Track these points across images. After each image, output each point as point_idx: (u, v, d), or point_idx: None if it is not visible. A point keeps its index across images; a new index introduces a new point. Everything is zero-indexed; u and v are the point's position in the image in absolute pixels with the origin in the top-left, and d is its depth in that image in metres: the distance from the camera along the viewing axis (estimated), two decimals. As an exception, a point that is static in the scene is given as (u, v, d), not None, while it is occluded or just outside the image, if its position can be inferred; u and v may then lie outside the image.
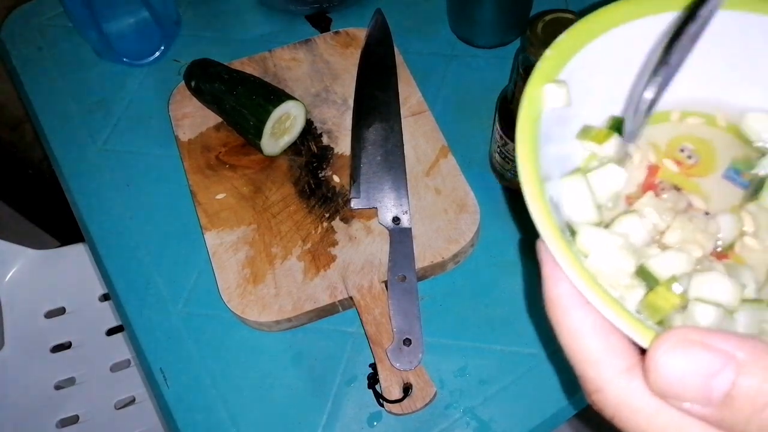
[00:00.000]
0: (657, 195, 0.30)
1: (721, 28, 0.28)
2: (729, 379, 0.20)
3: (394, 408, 0.46)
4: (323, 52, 0.63)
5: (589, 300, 0.24)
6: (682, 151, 0.32)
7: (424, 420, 0.48)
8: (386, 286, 0.50)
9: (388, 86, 0.59)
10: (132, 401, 0.84)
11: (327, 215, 0.54)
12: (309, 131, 0.59)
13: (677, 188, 0.31)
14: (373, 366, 0.48)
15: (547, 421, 0.48)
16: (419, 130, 0.58)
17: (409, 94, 0.60)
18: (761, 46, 0.30)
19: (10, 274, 0.90)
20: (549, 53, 0.29)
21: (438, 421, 0.48)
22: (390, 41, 0.62)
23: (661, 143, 0.33)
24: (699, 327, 0.22)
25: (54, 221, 1.22)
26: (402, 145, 0.56)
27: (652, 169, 0.32)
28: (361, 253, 0.52)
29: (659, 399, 0.22)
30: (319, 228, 0.53)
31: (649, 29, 0.30)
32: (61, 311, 0.89)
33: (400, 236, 0.51)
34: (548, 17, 0.43)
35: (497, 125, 0.51)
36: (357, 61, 0.62)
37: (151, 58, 0.66)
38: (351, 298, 0.50)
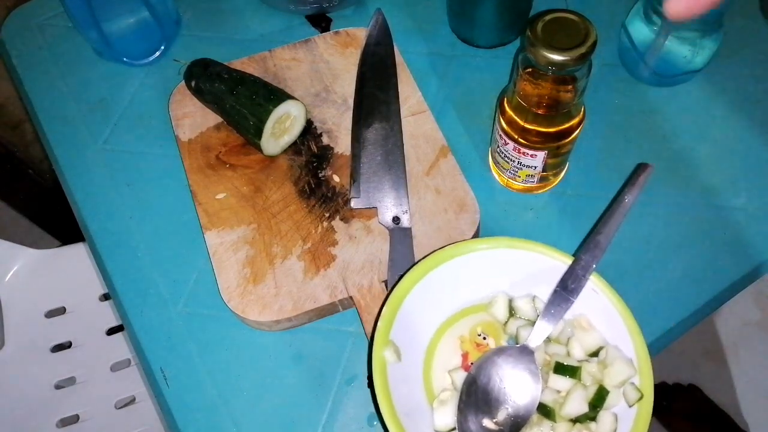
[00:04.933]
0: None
1: (504, 259, 0.48)
2: None
3: (394, 408, 0.46)
4: (323, 52, 0.63)
5: None
6: (479, 335, 0.48)
7: (424, 419, 0.48)
8: (386, 286, 0.50)
9: (388, 86, 0.59)
10: (132, 401, 0.84)
11: (327, 215, 0.54)
12: (309, 131, 0.59)
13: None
14: (373, 366, 0.48)
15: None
16: (419, 130, 0.58)
17: (409, 93, 0.60)
18: (524, 267, 0.48)
19: (10, 274, 0.90)
20: (380, 325, 0.44)
21: (438, 420, 0.48)
22: (390, 41, 0.62)
23: (465, 333, 0.48)
24: None
25: (54, 221, 1.22)
26: (402, 144, 0.56)
27: (465, 356, 0.48)
28: (361, 252, 0.52)
29: None
30: (319, 227, 0.53)
31: (429, 287, 0.47)
32: (61, 311, 0.89)
33: (400, 236, 0.51)
34: (548, 17, 0.43)
35: (497, 125, 0.51)
36: (357, 61, 0.62)
37: (152, 58, 0.66)
38: (351, 297, 0.50)
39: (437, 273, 0.47)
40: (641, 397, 0.43)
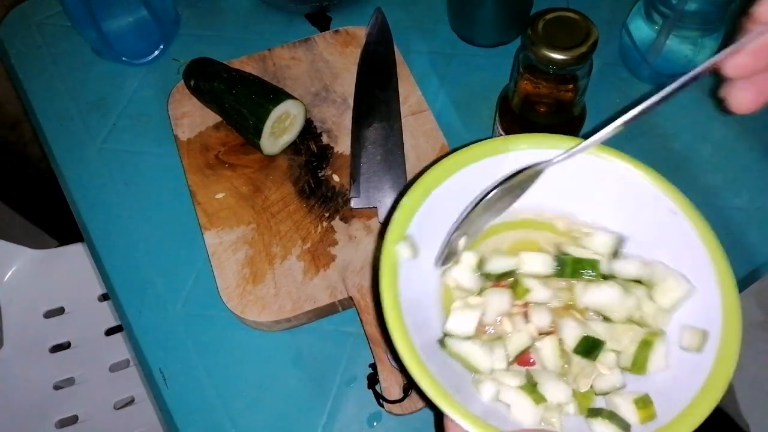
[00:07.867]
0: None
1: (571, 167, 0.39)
2: None
3: (394, 408, 0.46)
4: (323, 51, 0.63)
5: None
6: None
7: (424, 420, 0.48)
8: (386, 286, 0.50)
9: (388, 85, 0.59)
10: (131, 401, 0.84)
11: (327, 215, 0.54)
12: (309, 130, 0.58)
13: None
14: (373, 366, 0.48)
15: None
16: (419, 130, 0.58)
17: (409, 93, 0.60)
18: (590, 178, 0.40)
19: (9, 274, 0.89)
20: (397, 216, 0.37)
21: (438, 421, 0.48)
22: (390, 40, 0.62)
23: (504, 249, 0.41)
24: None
25: (53, 221, 1.21)
26: (402, 144, 0.56)
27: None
28: (360, 252, 0.52)
29: None
30: (319, 227, 0.53)
31: (460, 184, 0.38)
32: (61, 311, 0.89)
33: (400, 236, 0.51)
34: (549, 16, 0.43)
35: (497, 124, 0.51)
36: (357, 60, 0.62)
37: (150, 57, 0.66)
38: (351, 297, 0.50)
39: (484, 165, 0.38)
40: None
